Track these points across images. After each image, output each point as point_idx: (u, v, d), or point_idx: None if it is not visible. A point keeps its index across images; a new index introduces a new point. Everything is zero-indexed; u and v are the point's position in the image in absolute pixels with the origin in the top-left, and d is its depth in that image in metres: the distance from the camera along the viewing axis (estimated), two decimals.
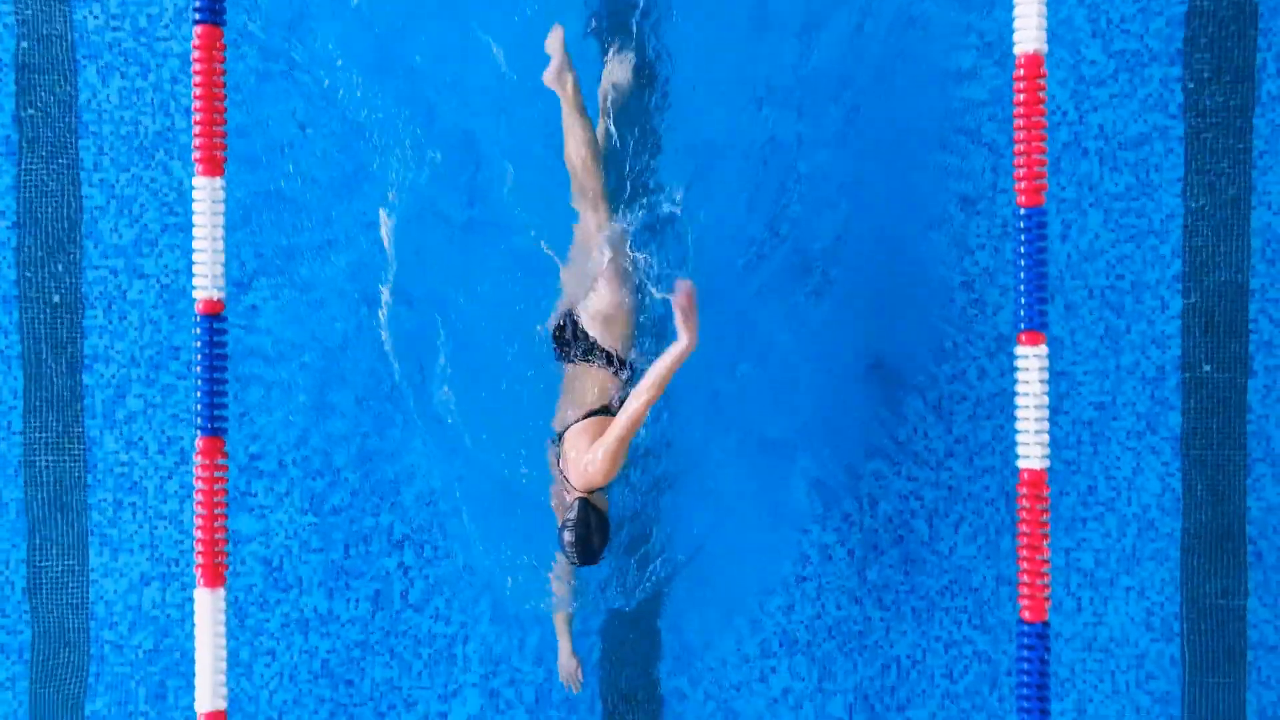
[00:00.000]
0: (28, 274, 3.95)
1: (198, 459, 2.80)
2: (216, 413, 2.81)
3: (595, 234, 3.64)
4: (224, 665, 2.80)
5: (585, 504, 3.43)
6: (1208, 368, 3.91)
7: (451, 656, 4.04)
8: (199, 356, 2.78)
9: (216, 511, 2.80)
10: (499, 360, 3.86)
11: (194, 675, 2.77)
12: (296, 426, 4.00)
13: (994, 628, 3.96)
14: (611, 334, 3.58)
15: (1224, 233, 3.88)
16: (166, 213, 3.97)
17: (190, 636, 3.88)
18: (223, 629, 2.80)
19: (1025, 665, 2.74)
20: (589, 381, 3.59)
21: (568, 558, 3.48)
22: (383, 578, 4.02)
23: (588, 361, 3.57)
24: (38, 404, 3.97)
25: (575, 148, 3.61)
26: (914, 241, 3.98)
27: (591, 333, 3.57)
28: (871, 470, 4.00)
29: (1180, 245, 3.90)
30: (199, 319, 2.79)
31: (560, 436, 3.57)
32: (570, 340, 3.59)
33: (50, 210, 3.94)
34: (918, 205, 3.97)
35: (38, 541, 3.97)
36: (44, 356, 3.97)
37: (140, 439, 3.98)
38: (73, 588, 3.98)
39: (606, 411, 3.51)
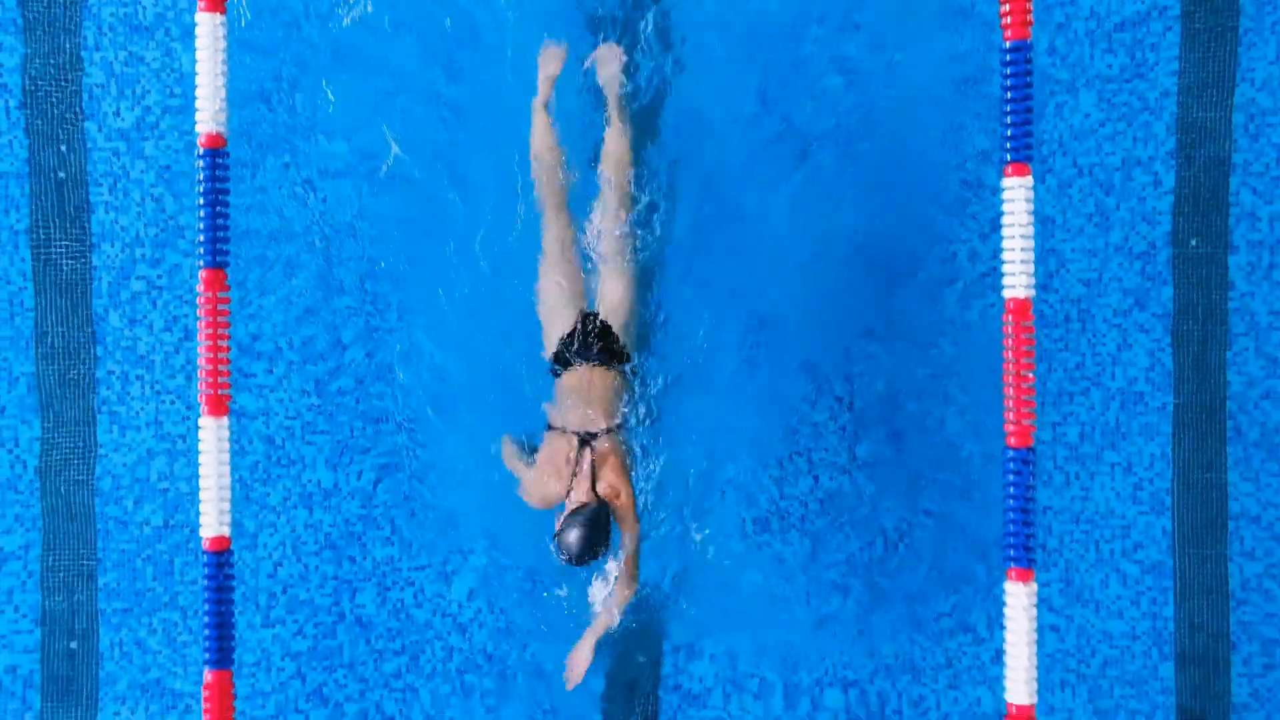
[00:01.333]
0: (37, 153, 4.02)
1: (201, 290, 2.87)
2: (219, 246, 2.88)
3: (567, 242, 3.77)
4: (229, 493, 2.88)
5: (605, 508, 3.51)
6: (1194, 242, 3.97)
7: (452, 534, 4.12)
8: (201, 189, 2.86)
9: (220, 344, 2.89)
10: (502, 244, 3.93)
11: (199, 536, 2.86)
12: (296, 307, 4.07)
13: (981, 502, 4.03)
14: (627, 333, 3.72)
15: (1211, 109, 3.94)
16: (167, 95, 4.05)
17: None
18: (227, 457, 2.88)
19: (1012, 490, 2.81)
20: (608, 387, 3.68)
21: (559, 552, 3.49)
22: (387, 454, 4.09)
23: (600, 364, 3.67)
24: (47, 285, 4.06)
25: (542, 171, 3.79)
26: (907, 124, 4.03)
27: (614, 327, 3.68)
28: (862, 350, 4.07)
29: (1174, 122, 3.96)
30: (202, 153, 2.86)
31: (591, 437, 3.61)
32: (592, 339, 3.67)
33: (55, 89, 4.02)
34: (913, 86, 4.02)
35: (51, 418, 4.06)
36: (53, 235, 4.05)
37: (145, 317, 4.06)
38: (76, 464, 4.06)
39: (580, 436, 3.60)
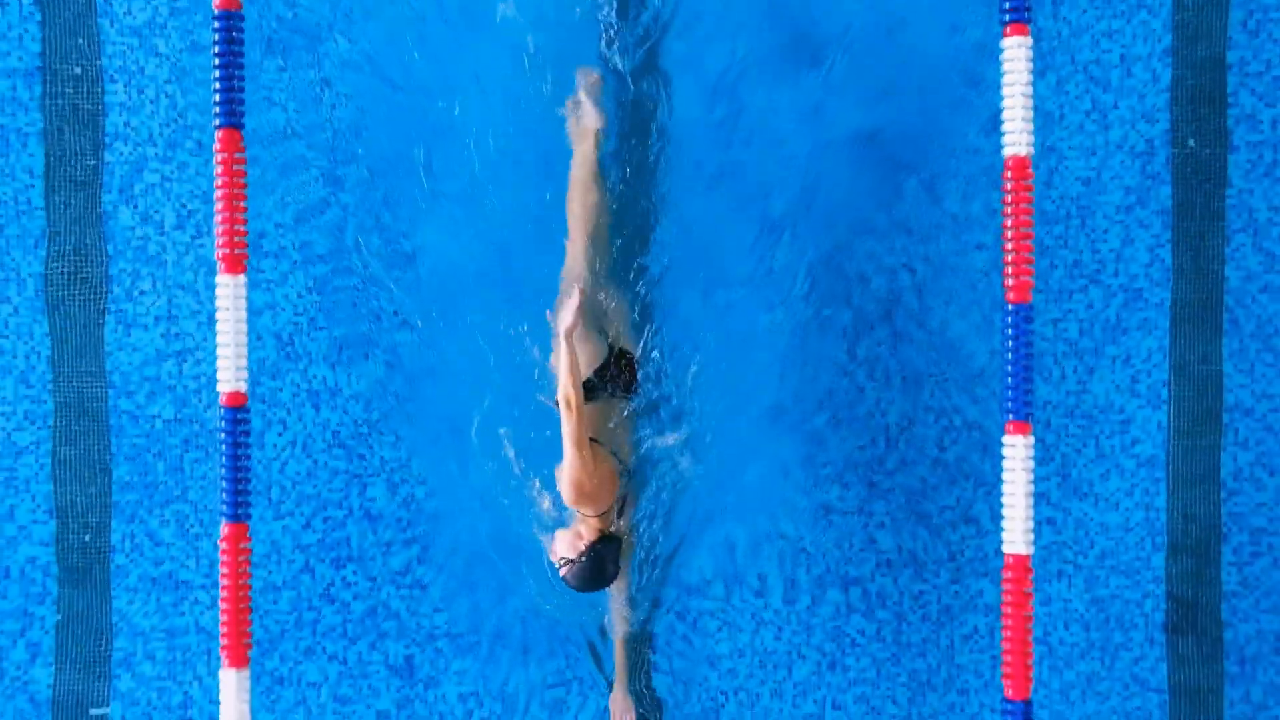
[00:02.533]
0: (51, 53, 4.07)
1: (218, 151, 2.93)
2: (235, 107, 2.93)
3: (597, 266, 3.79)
4: (245, 349, 2.94)
5: (596, 547, 3.58)
6: (1192, 143, 4.03)
7: (461, 433, 4.17)
8: (216, 50, 2.91)
9: (236, 204, 2.94)
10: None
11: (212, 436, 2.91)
12: (295, 205, 4.12)
13: (984, 399, 4.09)
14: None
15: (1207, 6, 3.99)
16: None
17: (211, 405, 4.06)
18: (244, 314, 2.93)
19: (1011, 344, 2.89)
20: (620, 418, 3.76)
21: (565, 581, 3.65)
22: (391, 353, 4.15)
23: (613, 395, 3.75)
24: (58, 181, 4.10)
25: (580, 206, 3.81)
26: (910, 20, 4.07)
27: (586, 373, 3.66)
28: (863, 248, 4.12)
29: (1170, 20, 4.01)
30: (217, 14, 2.91)
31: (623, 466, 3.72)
32: (615, 374, 3.75)
33: None
34: None
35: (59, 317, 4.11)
36: (65, 133, 4.09)
37: (157, 213, 4.11)
38: (89, 357, 4.11)
39: (616, 458, 3.69)
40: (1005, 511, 2.90)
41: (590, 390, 3.67)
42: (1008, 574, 2.88)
